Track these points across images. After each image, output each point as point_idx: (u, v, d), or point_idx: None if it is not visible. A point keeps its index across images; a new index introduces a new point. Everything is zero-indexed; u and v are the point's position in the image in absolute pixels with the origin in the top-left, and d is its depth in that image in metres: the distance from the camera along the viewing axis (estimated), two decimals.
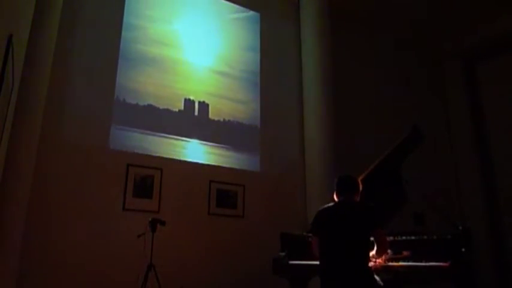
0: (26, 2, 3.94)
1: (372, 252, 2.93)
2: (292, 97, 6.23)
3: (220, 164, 5.38)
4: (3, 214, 3.76)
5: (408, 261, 3.08)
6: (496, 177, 7.24)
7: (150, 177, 4.84)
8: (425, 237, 3.20)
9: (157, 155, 4.98)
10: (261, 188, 5.55)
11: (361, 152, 4.89)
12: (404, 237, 3.25)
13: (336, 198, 3.02)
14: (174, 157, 5.09)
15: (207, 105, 5.65)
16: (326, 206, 3.02)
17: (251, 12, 6.42)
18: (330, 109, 5.88)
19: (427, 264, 2.97)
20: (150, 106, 5.19)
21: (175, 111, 5.38)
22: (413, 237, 3.23)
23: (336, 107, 5.95)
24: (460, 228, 3.09)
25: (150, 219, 4.06)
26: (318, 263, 2.89)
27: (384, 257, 3.07)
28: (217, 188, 5.25)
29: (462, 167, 7.42)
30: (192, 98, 5.56)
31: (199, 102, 5.59)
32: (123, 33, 5.25)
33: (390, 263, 3.10)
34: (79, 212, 4.34)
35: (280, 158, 5.88)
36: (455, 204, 7.01)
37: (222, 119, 5.71)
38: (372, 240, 2.88)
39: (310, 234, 3.33)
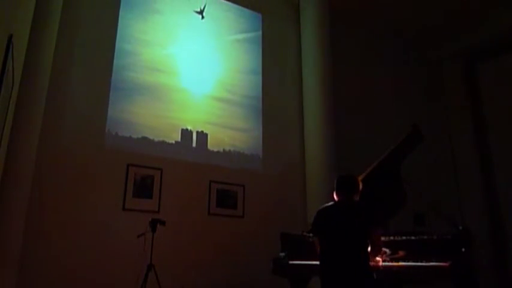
0: (26, 2, 3.94)
1: None
2: (292, 98, 6.22)
3: (220, 164, 5.38)
4: (3, 214, 3.76)
5: (408, 261, 3.08)
6: (496, 177, 7.23)
7: (150, 177, 4.84)
8: (425, 237, 3.19)
9: (157, 154, 4.98)
10: (261, 188, 5.54)
11: (361, 152, 4.89)
12: (404, 237, 3.25)
13: (335, 197, 3.01)
14: (174, 158, 5.09)
15: (206, 135, 5.38)
16: (325, 205, 3.01)
17: (252, 33, 6.20)
18: (330, 109, 5.87)
19: (427, 264, 2.97)
20: (144, 139, 4.94)
21: (172, 143, 5.11)
22: (413, 237, 3.23)
23: (335, 107, 5.94)
24: (460, 228, 3.09)
25: (150, 219, 4.07)
26: (317, 262, 2.89)
27: (382, 257, 3.07)
28: (217, 188, 5.24)
29: (462, 166, 7.41)
30: (189, 128, 5.28)
31: (197, 132, 5.32)
32: (115, 60, 4.99)
33: (390, 263, 3.10)
34: (79, 212, 4.34)
35: (280, 158, 5.87)
36: (455, 204, 7.00)
37: (222, 150, 5.46)
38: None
39: (310, 235, 3.33)
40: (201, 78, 5.59)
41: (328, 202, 3.07)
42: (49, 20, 4.42)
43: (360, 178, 3.59)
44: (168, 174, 4.93)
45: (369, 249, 2.89)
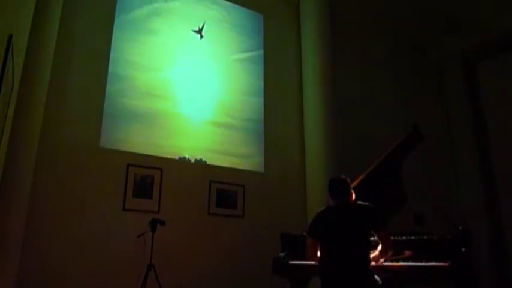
0: (26, 2, 3.94)
1: (375, 253, 2.91)
2: (292, 98, 6.21)
3: (220, 164, 5.38)
4: (3, 214, 3.76)
5: (408, 261, 3.08)
6: (496, 177, 7.24)
7: (150, 177, 4.83)
8: (425, 237, 3.20)
9: (157, 154, 4.97)
10: (261, 188, 5.54)
11: (361, 152, 4.89)
12: (404, 237, 3.25)
13: (331, 201, 3.02)
14: (174, 158, 5.09)
15: (205, 163, 5.25)
16: (325, 208, 3.03)
17: (254, 52, 5.99)
18: (330, 110, 5.87)
19: (427, 264, 2.97)
20: None
21: None
22: (413, 237, 3.23)
23: (335, 107, 5.94)
24: (460, 228, 3.09)
25: (150, 219, 4.07)
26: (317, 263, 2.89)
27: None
28: (217, 188, 5.23)
29: (462, 166, 7.42)
30: (187, 156, 5.12)
31: (195, 160, 5.19)
32: (108, 85, 4.76)
33: (390, 263, 3.10)
34: (79, 212, 4.34)
35: (280, 158, 5.87)
36: (455, 204, 7.01)
37: None
38: (372, 241, 2.87)
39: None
40: (199, 102, 5.36)
41: (328, 202, 3.07)
42: (49, 20, 4.42)
43: (360, 178, 3.61)
44: (168, 174, 4.93)
45: (378, 249, 2.88)
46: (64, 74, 4.65)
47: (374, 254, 2.90)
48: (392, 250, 2.98)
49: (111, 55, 4.93)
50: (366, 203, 2.89)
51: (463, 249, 2.92)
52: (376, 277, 2.76)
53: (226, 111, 5.57)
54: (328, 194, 3.04)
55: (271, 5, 6.53)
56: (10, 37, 2.84)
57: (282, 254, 3.72)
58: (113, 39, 4.98)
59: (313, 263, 3.02)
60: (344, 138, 5.93)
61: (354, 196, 3.03)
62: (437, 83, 8.05)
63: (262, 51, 6.13)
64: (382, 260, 3.00)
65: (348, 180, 3.07)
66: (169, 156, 5.01)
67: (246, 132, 5.68)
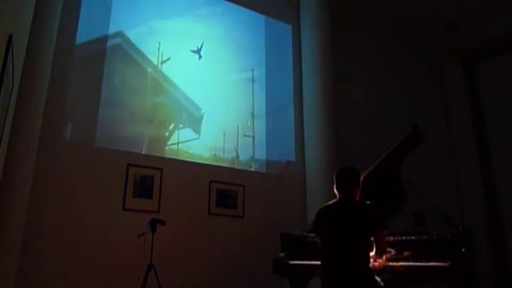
0: (26, 2, 3.94)
1: (371, 254, 2.91)
2: (292, 98, 6.22)
3: (220, 164, 5.37)
4: (3, 214, 3.76)
5: (408, 261, 3.08)
6: (496, 177, 7.24)
7: (150, 177, 4.83)
8: (425, 237, 3.19)
9: (157, 154, 4.97)
10: (261, 188, 5.54)
11: (361, 152, 4.89)
12: (404, 237, 3.25)
13: (335, 191, 2.96)
14: (174, 158, 5.09)
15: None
16: (327, 204, 2.97)
17: (255, 71, 5.86)
18: (330, 109, 5.87)
19: (427, 264, 2.97)
20: None
21: None
22: (413, 237, 3.23)
23: (335, 107, 5.94)
24: (460, 228, 3.09)
25: (150, 219, 4.07)
26: (317, 262, 2.89)
27: (384, 256, 3.06)
28: (217, 188, 5.24)
29: (462, 166, 7.41)
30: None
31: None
32: (100, 112, 4.65)
33: (390, 263, 3.10)
34: (79, 212, 4.34)
35: (280, 158, 5.87)
36: (455, 204, 7.01)
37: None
38: (373, 241, 2.87)
39: (312, 234, 3.32)
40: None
41: (328, 202, 3.05)
42: (49, 20, 4.42)
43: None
44: (168, 174, 4.93)
45: (374, 250, 2.88)
46: (64, 74, 4.64)
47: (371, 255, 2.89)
48: (385, 254, 2.95)
49: (104, 80, 4.78)
50: (368, 203, 2.84)
51: (463, 249, 2.92)
52: (376, 277, 2.76)
53: (226, 136, 5.45)
54: (335, 185, 2.95)
55: (271, 7, 6.52)
56: (10, 37, 2.84)
57: (282, 254, 3.72)
58: (105, 64, 4.84)
59: (313, 262, 3.01)
60: (344, 139, 5.93)
61: (359, 190, 2.94)
62: (438, 83, 8.05)
63: (263, 70, 6.01)
64: (380, 260, 3.00)
65: (358, 172, 2.97)
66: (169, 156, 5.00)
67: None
